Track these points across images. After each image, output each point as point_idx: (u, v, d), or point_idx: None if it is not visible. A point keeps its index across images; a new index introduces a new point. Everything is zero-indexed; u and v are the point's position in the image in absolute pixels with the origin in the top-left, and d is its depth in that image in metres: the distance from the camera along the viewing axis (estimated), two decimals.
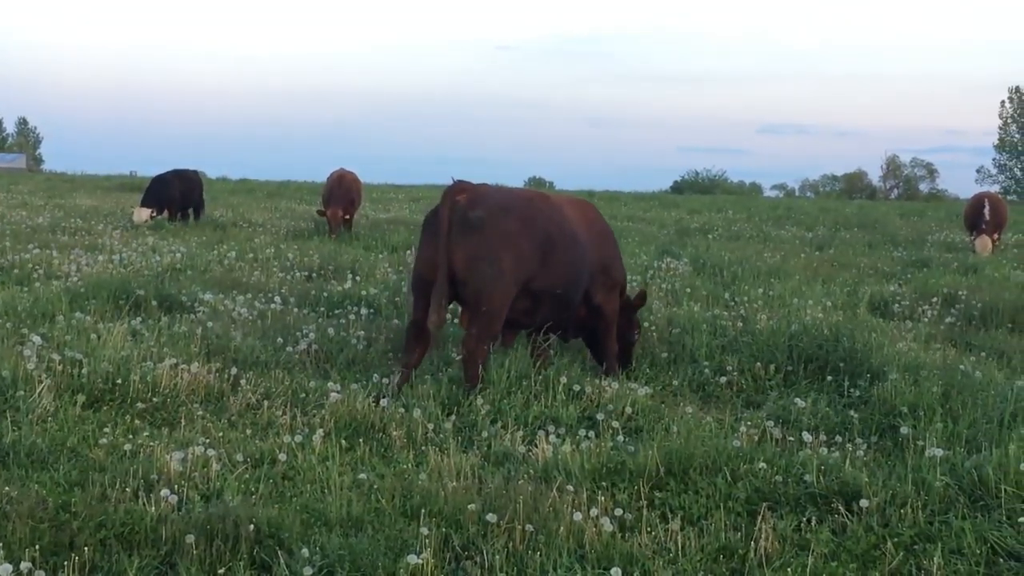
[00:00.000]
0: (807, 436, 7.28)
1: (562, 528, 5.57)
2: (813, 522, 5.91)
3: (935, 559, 5.39)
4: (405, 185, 60.73)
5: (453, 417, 7.89)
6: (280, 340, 10.27)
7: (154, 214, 25.29)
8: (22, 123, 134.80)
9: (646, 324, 10.97)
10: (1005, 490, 6.09)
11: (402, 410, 7.84)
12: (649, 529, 5.77)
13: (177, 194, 26.23)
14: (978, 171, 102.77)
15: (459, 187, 8.65)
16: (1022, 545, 5.60)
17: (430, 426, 7.59)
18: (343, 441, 7.29)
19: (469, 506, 5.79)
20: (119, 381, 8.25)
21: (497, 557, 5.28)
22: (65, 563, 5.07)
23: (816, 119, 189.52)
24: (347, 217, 23.67)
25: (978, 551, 5.55)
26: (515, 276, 8.61)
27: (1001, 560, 5.51)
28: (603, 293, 9.62)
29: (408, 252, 18.91)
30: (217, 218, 27.33)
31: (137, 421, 7.69)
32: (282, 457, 6.80)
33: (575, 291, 9.25)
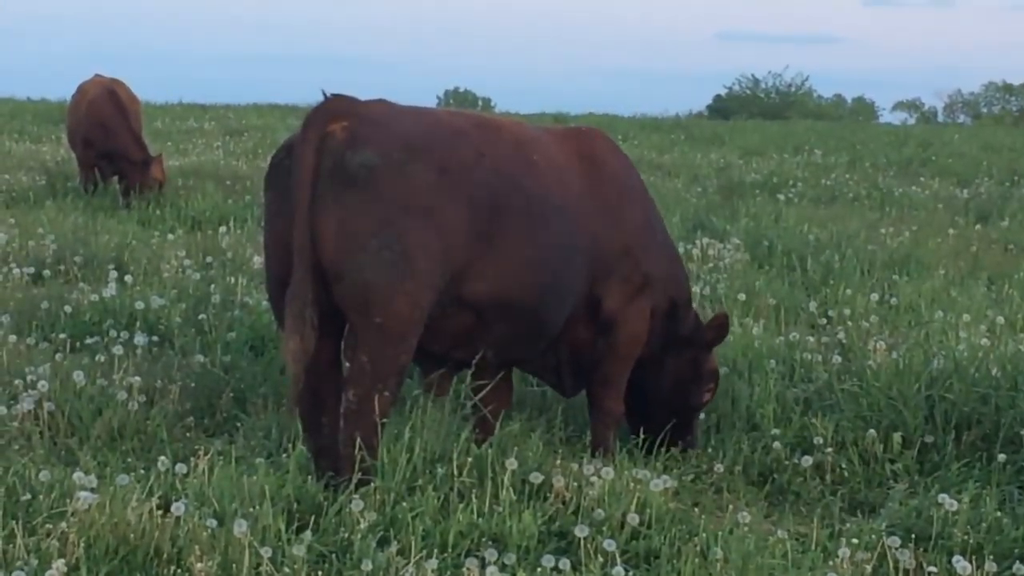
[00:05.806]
0: (963, 565, 5.44)
1: None
2: None
3: None
4: (217, 105, 40.45)
5: (308, 534, 5.32)
6: None
7: None
8: None
9: None
10: None
11: (211, 523, 5.13)
12: None
13: None
14: None
15: (333, 109, 5.75)
16: None
17: (265, 552, 5.05)
18: None
19: None
20: None
21: None
22: None
23: None
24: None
25: None
26: (434, 267, 5.79)
27: None
28: (620, 296, 6.66)
29: (222, 230, 13.63)
30: None
31: None
32: None
33: (558, 298, 6.38)
